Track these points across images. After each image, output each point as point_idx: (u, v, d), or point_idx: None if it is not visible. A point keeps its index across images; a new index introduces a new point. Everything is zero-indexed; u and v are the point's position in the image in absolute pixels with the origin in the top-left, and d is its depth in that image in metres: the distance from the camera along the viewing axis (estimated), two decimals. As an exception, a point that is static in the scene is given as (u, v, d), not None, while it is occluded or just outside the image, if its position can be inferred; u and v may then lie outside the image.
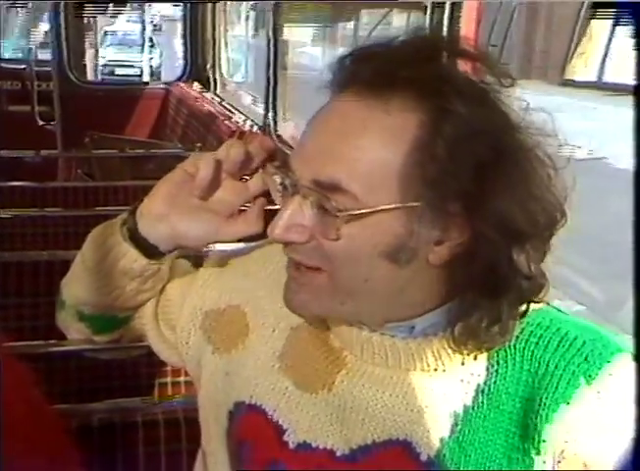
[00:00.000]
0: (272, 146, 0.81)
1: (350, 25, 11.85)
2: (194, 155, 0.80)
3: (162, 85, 5.35)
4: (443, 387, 0.73)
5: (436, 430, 0.73)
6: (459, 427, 0.72)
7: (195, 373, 0.87)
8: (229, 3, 5.19)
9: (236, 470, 0.82)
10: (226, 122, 3.88)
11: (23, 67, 4.81)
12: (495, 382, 0.73)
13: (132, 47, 10.53)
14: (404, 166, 0.65)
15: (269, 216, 0.73)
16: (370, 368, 0.75)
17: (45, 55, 5.08)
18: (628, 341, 0.69)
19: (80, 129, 3.82)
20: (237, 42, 7.86)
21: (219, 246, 0.90)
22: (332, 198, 0.66)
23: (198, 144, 3.95)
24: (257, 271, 0.85)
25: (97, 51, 6.67)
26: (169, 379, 1.85)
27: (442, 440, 0.73)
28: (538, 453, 0.71)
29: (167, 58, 9.15)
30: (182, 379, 1.84)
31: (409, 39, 0.71)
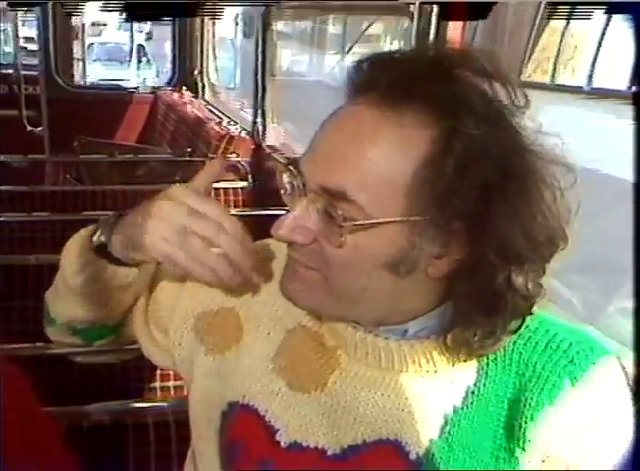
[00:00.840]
0: (217, 170, 0.79)
1: (338, 30, 11.85)
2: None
3: (151, 91, 5.33)
4: (433, 388, 0.74)
5: (426, 430, 0.74)
6: (449, 427, 0.73)
7: (187, 374, 0.87)
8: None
9: (226, 470, 0.83)
10: (215, 127, 3.88)
11: (10, 71, 4.77)
12: (484, 384, 0.74)
13: (122, 63, 10.42)
14: (412, 181, 0.65)
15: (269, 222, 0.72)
16: (363, 369, 0.76)
17: (26, 59, 5.03)
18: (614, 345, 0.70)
19: (68, 133, 3.79)
20: (225, 47, 7.84)
21: None
22: (338, 206, 0.67)
23: (188, 149, 3.94)
24: None
25: (85, 65, 6.55)
26: (157, 383, 1.85)
27: (431, 439, 0.73)
28: (524, 453, 0.72)
29: (159, 62, 9.05)
30: (170, 383, 1.84)
31: (428, 51, 0.71)
